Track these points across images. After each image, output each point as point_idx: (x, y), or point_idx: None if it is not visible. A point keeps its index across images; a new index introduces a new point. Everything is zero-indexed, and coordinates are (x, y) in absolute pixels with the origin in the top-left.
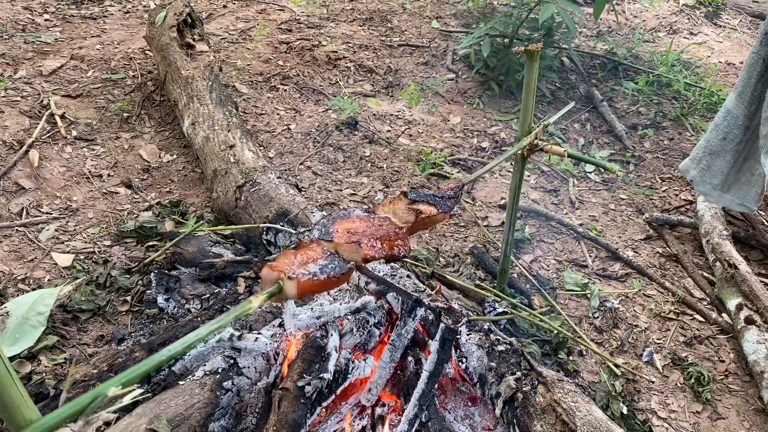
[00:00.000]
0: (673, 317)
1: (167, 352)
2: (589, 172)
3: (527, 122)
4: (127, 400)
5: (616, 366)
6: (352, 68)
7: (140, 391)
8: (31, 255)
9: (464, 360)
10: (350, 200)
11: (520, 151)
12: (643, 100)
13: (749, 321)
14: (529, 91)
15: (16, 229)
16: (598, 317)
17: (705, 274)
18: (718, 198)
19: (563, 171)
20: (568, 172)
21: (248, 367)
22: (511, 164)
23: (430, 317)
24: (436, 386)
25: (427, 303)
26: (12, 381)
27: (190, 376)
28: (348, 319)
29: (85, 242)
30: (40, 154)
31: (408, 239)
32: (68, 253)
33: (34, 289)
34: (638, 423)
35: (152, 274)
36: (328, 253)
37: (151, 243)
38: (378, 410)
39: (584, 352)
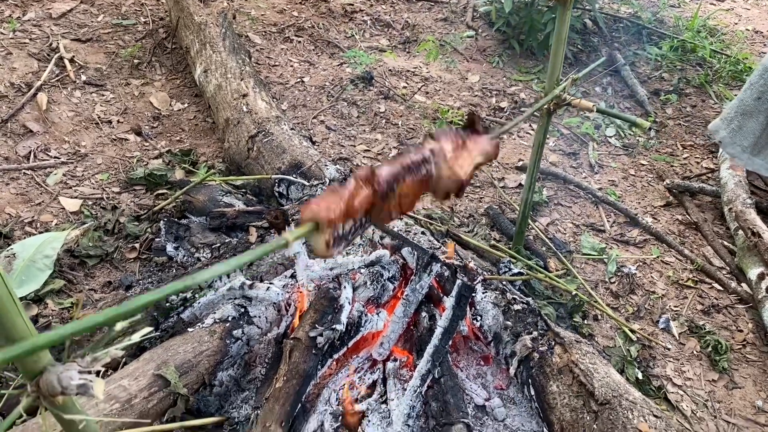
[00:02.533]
0: (691, 285)
1: (182, 283)
2: (610, 137)
3: (555, 75)
4: (136, 338)
5: (632, 331)
6: (369, 22)
7: (149, 329)
8: (38, 198)
9: (479, 318)
10: (364, 156)
11: (546, 105)
12: (667, 65)
13: None
14: (559, 42)
15: (24, 172)
16: (614, 282)
17: (725, 243)
18: (747, 161)
19: (583, 134)
20: (588, 135)
21: (259, 317)
22: (530, 125)
23: (446, 274)
24: (449, 343)
25: (442, 259)
26: (8, 294)
27: (199, 324)
28: (361, 273)
29: (94, 188)
30: (48, 97)
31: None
32: (76, 198)
33: (41, 233)
34: (653, 389)
35: (162, 221)
36: (364, 214)
37: (160, 191)
38: (389, 365)
39: (599, 317)
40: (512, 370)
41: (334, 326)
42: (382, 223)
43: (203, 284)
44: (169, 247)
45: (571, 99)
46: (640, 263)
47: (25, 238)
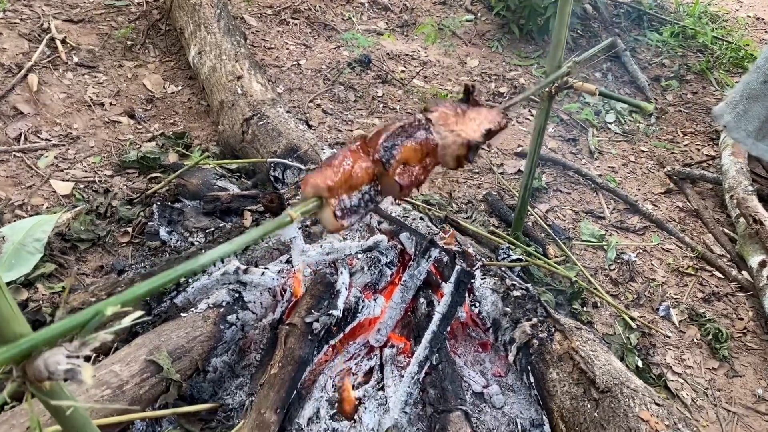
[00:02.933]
0: (692, 272)
1: (175, 272)
2: (609, 123)
3: (557, 57)
4: (126, 321)
5: (632, 319)
6: (366, 4)
7: (141, 313)
8: (29, 181)
9: (477, 304)
10: None
11: (547, 89)
12: (667, 51)
13: None
14: (562, 24)
15: (14, 154)
16: (614, 269)
17: (726, 230)
18: (751, 146)
19: (582, 120)
20: (587, 121)
21: (254, 302)
22: (530, 111)
23: (444, 259)
24: (448, 329)
25: (441, 245)
26: (1, 293)
27: (192, 309)
28: (359, 258)
29: (86, 171)
30: (39, 78)
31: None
32: (68, 181)
33: (31, 216)
34: (653, 377)
35: (155, 205)
36: (374, 183)
37: (153, 174)
38: (386, 351)
39: (599, 304)
40: (511, 357)
41: (330, 312)
42: (391, 197)
43: (206, 267)
44: (162, 232)
45: (573, 82)
46: (640, 250)
47: (15, 221)
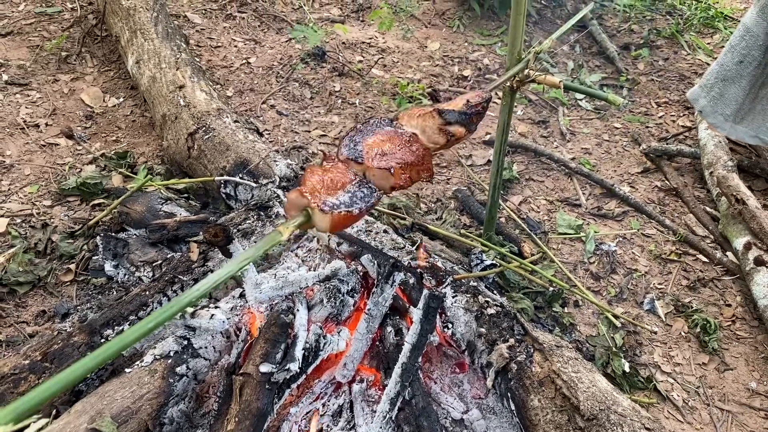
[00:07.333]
0: (675, 258)
1: (81, 367)
2: (580, 99)
3: (517, 49)
4: None
5: (615, 317)
6: None
7: (44, 422)
8: None
9: (450, 325)
10: (320, 142)
11: (508, 83)
12: (636, 16)
13: (759, 262)
14: (518, 12)
15: None
16: (594, 262)
17: (707, 208)
18: (729, 130)
19: (552, 99)
20: (557, 100)
21: (205, 348)
22: (496, 94)
23: (411, 281)
24: (419, 360)
25: (407, 264)
26: None
27: (138, 362)
28: (318, 287)
29: (22, 203)
30: None
31: (432, 163)
32: (2, 216)
33: None
34: (642, 380)
35: (98, 237)
36: (357, 179)
37: (96, 201)
38: (355, 387)
39: (580, 303)
40: (489, 382)
41: (288, 366)
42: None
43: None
44: (108, 266)
45: (535, 75)
46: (620, 239)
47: None
